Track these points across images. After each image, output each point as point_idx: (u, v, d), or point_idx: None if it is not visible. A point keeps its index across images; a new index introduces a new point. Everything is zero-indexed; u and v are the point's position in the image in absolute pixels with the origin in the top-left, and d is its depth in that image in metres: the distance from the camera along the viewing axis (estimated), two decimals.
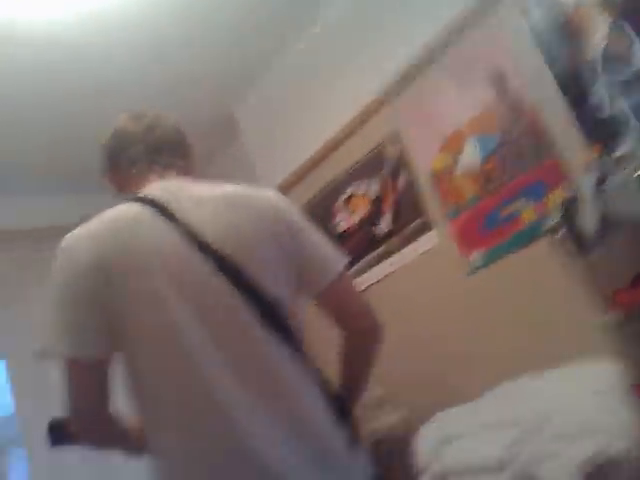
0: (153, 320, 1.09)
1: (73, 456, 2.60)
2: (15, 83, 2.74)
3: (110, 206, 1.19)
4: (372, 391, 2.72)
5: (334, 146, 3.10)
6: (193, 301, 1.09)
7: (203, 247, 1.12)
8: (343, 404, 1.22)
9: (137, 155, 1.31)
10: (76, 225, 1.17)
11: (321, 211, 3.23)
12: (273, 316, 1.14)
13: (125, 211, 1.17)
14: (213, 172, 3.97)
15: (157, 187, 1.23)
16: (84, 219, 1.18)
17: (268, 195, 1.26)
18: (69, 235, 1.16)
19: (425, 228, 2.73)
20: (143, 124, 1.34)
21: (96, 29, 2.59)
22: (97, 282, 1.09)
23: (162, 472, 1.12)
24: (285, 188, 3.33)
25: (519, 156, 2.35)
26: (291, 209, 1.26)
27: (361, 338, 1.27)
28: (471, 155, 2.51)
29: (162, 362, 1.10)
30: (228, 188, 1.24)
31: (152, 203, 1.17)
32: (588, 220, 1.84)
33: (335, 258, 1.24)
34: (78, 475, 3.18)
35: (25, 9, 2.36)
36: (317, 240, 1.25)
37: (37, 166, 3.41)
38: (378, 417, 2.62)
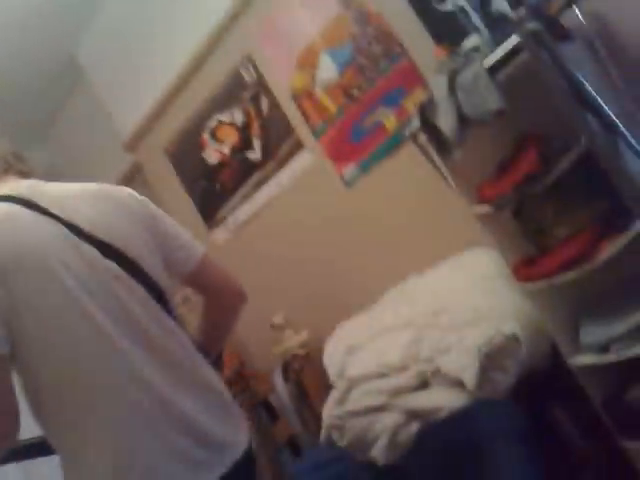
0: (56, 304, 1.09)
1: None
2: None
3: None
4: (274, 319, 2.79)
5: (187, 76, 2.97)
6: (87, 284, 1.12)
7: (85, 236, 1.15)
8: (215, 363, 1.36)
9: None
10: None
11: (189, 147, 3.13)
12: (161, 296, 1.21)
13: None
14: (65, 124, 3.78)
15: (17, 186, 1.20)
16: None
17: (126, 189, 1.33)
18: None
19: (297, 148, 2.72)
20: None
21: None
22: None
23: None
24: (145, 128, 3.20)
25: (374, 63, 2.35)
26: (148, 201, 1.33)
27: (229, 305, 1.41)
28: (327, 69, 2.48)
29: (73, 349, 1.10)
30: (85, 185, 1.27)
31: (20, 200, 1.15)
32: (445, 121, 1.89)
33: (195, 243, 1.36)
34: None
35: None
36: (177, 228, 1.34)
37: None
38: (281, 342, 2.70)
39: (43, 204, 1.15)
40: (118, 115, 3.30)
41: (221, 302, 1.40)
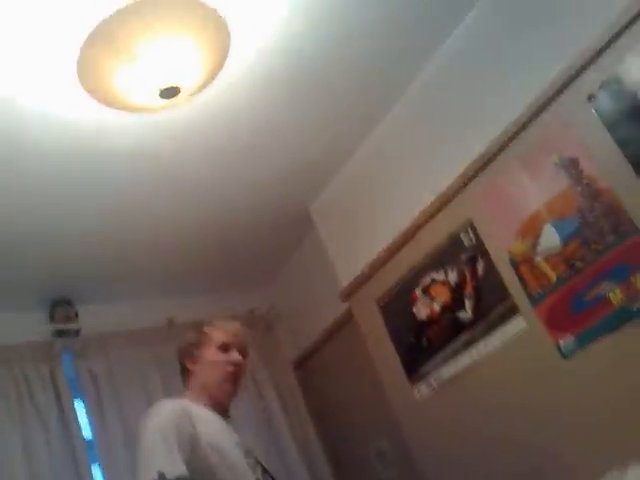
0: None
1: None
2: None
3: None
4: None
5: (409, 236, 3.16)
6: None
7: None
8: None
9: None
10: None
11: (400, 301, 3.26)
12: None
13: None
14: (292, 269, 4.15)
15: None
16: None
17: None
18: None
19: (510, 313, 2.71)
20: None
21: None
22: None
23: None
24: (362, 280, 3.39)
25: (600, 237, 2.35)
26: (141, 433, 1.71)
27: None
28: (550, 239, 2.52)
29: None
30: None
31: None
32: None
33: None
34: None
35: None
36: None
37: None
38: None
39: None
40: (339, 266, 3.57)
41: None
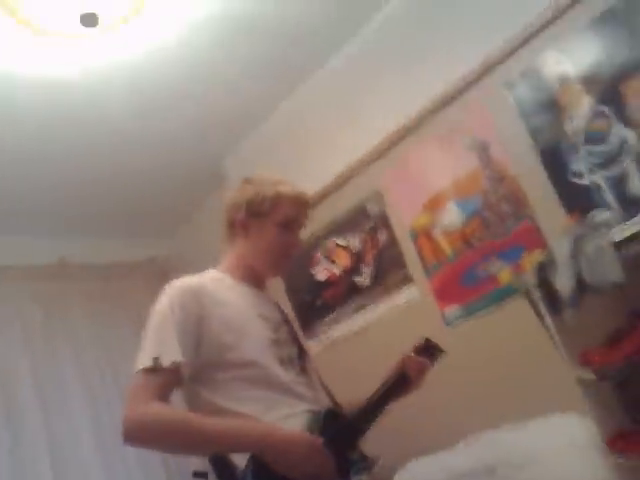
0: None
1: None
2: None
3: None
4: None
5: (317, 203, 3.21)
6: None
7: None
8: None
9: None
10: None
11: (300, 260, 3.32)
12: None
13: None
14: (200, 219, 4.10)
15: None
16: None
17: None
18: None
19: (404, 282, 2.84)
20: None
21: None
22: None
23: None
24: None
25: (500, 219, 2.50)
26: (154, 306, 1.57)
27: None
28: (452, 216, 2.65)
29: None
30: None
31: None
32: (564, 283, 1.97)
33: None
34: None
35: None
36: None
37: None
38: None
39: None
40: None
41: None
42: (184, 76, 2.90)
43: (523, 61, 2.42)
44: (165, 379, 1.43)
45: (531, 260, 2.31)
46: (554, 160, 2.32)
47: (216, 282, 1.65)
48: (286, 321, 1.76)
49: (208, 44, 2.74)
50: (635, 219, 1.88)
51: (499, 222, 2.50)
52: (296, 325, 3.24)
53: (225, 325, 1.53)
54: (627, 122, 2.16)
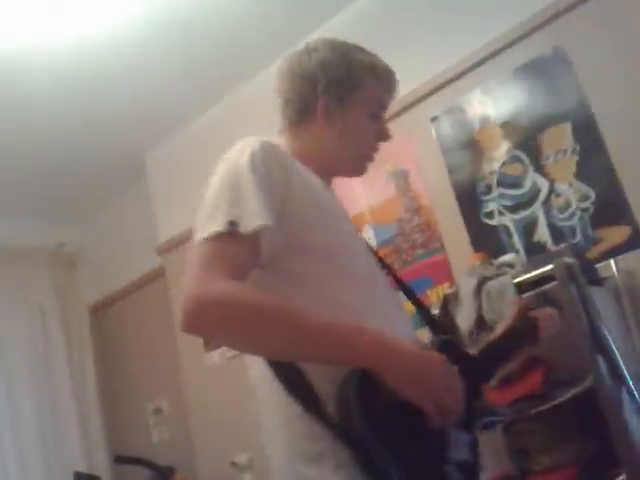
0: None
1: None
2: None
3: None
4: (236, 458, 2.71)
5: None
6: None
7: None
8: None
9: None
10: None
11: None
12: None
13: None
14: (117, 211, 3.97)
15: None
16: None
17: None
18: None
19: None
20: None
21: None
22: None
23: None
24: (181, 240, 3.33)
25: (412, 249, 2.52)
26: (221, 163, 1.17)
27: None
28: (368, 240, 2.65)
29: None
30: None
31: None
32: (464, 317, 2.00)
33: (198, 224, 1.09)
34: None
35: None
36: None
37: None
38: None
39: None
40: (161, 220, 3.49)
41: None
42: (116, 64, 2.82)
43: (449, 98, 2.46)
44: (244, 250, 1.03)
45: (437, 293, 2.34)
46: (468, 198, 2.37)
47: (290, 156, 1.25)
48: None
49: (144, 38, 2.70)
50: (537, 263, 1.92)
51: (411, 251, 2.52)
52: None
53: (311, 200, 1.17)
54: (541, 170, 2.22)
